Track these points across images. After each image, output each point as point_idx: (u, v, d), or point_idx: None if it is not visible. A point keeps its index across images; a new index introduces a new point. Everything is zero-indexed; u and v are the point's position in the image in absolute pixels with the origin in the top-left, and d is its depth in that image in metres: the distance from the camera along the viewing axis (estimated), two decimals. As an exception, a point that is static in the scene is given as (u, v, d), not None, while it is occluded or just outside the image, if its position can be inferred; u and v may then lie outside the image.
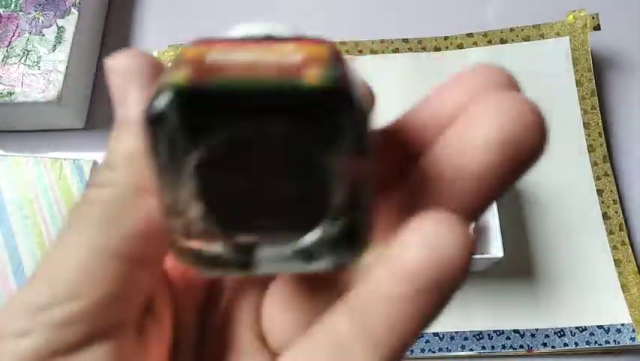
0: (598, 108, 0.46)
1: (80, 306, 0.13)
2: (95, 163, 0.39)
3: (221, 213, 0.13)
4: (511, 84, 0.14)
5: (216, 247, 0.13)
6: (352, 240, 0.13)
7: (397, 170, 0.15)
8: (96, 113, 0.50)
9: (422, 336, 0.41)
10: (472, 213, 0.14)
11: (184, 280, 0.17)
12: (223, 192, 0.13)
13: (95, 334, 0.14)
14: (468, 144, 0.13)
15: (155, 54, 0.50)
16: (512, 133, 0.12)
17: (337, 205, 0.13)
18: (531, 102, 0.13)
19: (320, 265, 0.13)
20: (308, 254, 0.13)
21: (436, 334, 0.41)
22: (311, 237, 0.13)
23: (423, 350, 0.41)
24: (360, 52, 0.49)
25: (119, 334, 0.14)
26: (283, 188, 0.13)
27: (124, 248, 0.14)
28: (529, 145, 0.13)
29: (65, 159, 0.39)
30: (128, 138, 0.14)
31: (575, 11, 0.48)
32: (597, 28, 0.48)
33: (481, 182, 0.13)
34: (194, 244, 0.13)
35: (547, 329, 0.41)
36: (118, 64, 0.15)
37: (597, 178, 0.45)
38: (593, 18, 0.48)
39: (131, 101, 0.14)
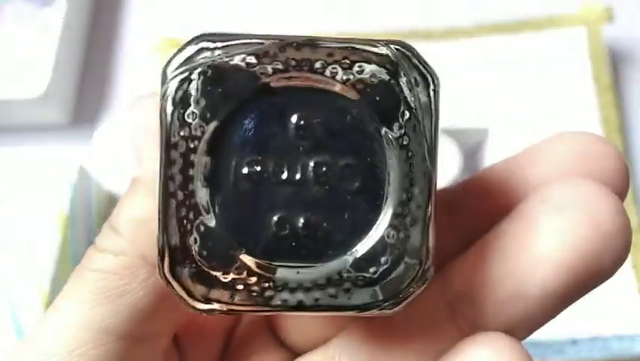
0: (615, 104, 0.45)
1: None
2: (81, 168, 0.37)
3: (234, 217, 0.11)
4: (608, 157, 0.12)
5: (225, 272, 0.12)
6: (412, 267, 0.11)
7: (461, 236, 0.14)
8: (83, 108, 0.49)
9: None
10: (528, 331, 0.12)
11: (198, 340, 0.16)
12: (237, 188, 0.11)
13: None
14: (533, 262, 0.11)
15: (148, 48, 0.49)
16: (586, 251, 0.10)
17: (394, 213, 0.11)
18: (615, 200, 0.10)
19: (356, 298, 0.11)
20: (348, 279, 0.11)
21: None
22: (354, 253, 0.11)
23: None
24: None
25: None
26: (316, 186, 0.11)
27: (124, 326, 0.13)
28: (606, 263, 0.11)
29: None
30: (140, 202, 0.13)
31: (588, 3, 0.47)
32: (611, 20, 0.46)
33: (544, 304, 0.11)
34: (200, 266, 0.11)
35: (561, 340, 0.39)
36: (141, 117, 0.13)
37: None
38: (607, 10, 0.46)
39: (148, 160, 0.13)
